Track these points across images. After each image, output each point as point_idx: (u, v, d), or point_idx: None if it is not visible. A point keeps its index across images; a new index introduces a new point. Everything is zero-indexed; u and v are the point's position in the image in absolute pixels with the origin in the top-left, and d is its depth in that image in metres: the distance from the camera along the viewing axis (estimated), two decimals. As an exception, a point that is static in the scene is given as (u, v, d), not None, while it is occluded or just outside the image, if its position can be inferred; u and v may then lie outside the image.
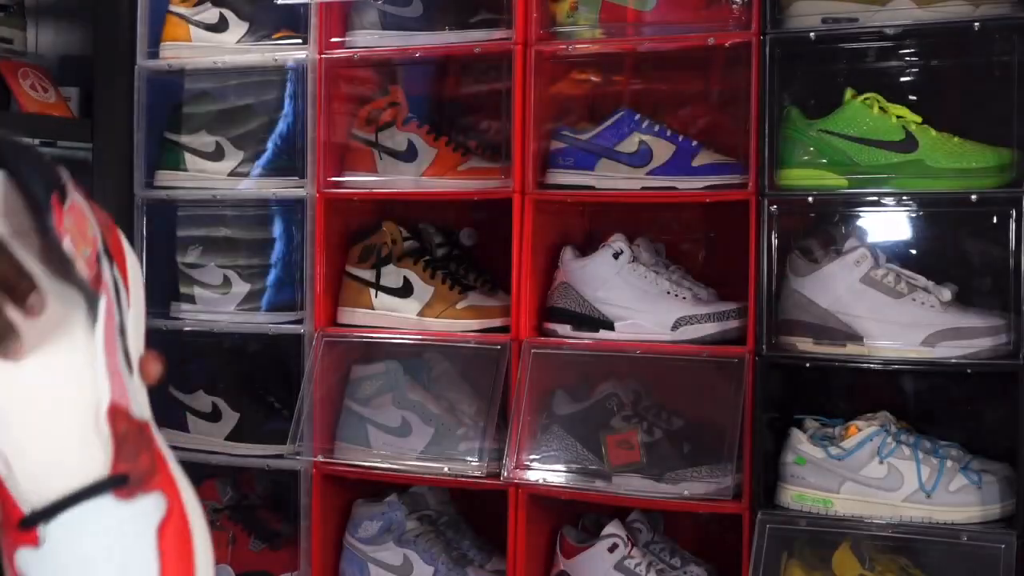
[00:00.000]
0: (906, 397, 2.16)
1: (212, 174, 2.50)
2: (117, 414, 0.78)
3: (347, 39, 2.37)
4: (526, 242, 2.20)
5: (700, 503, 2.07)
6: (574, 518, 2.28)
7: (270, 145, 2.47)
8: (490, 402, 2.22)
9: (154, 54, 2.52)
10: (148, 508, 0.78)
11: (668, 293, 2.17)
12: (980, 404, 2.12)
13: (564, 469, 2.17)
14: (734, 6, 2.08)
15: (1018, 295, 1.89)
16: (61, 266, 0.76)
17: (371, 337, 2.34)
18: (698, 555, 2.22)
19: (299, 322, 2.39)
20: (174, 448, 0.83)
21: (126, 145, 2.52)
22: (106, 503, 0.78)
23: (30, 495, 0.78)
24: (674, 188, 2.15)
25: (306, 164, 2.38)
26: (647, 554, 2.16)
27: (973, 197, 1.93)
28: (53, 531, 0.78)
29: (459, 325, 2.30)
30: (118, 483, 0.78)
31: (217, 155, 2.51)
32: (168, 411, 2.47)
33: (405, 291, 2.34)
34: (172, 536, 0.78)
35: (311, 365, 2.33)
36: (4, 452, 0.78)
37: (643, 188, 2.17)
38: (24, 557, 0.78)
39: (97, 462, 0.78)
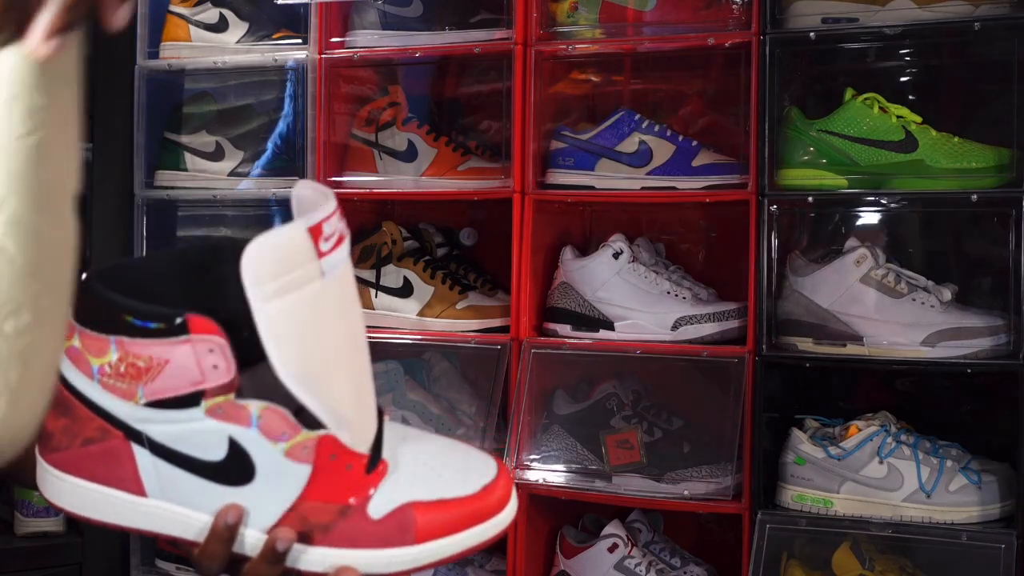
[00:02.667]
0: (906, 397, 2.17)
1: (212, 174, 2.50)
2: None
3: (347, 39, 2.37)
4: (526, 242, 2.20)
5: (700, 503, 2.07)
6: (574, 518, 2.28)
7: (270, 145, 2.47)
8: (490, 402, 2.22)
9: (154, 54, 2.52)
10: None
11: (668, 293, 2.17)
12: (980, 404, 2.12)
13: (564, 469, 2.17)
14: (734, 6, 2.09)
15: (1018, 295, 1.89)
16: None
17: (371, 337, 2.33)
18: (698, 555, 2.23)
19: (299, 322, 2.39)
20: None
21: (126, 145, 2.52)
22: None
23: (360, 441, 0.88)
24: (674, 188, 2.16)
25: (306, 164, 2.38)
26: (647, 554, 2.16)
27: (973, 197, 1.93)
28: (393, 451, 0.90)
29: (459, 325, 2.30)
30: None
31: (217, 155, 2.52)
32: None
33: (405, 291, 2.34)
34: None
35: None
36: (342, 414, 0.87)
37: (643, 188, 2.18)
38: (386, 490, 0.88)
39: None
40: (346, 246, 0.88)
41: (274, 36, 2.45)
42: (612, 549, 2.14)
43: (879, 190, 2.01)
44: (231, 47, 2.47)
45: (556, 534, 2.24)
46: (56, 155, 0.71)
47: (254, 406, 0.85)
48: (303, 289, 0.83)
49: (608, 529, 2.16)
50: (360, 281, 2.37)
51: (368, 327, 2.35)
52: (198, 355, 0.84)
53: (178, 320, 0.84)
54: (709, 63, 2.33)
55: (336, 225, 0.86)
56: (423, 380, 2.36)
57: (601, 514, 2.26)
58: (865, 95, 2.03)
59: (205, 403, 0.85)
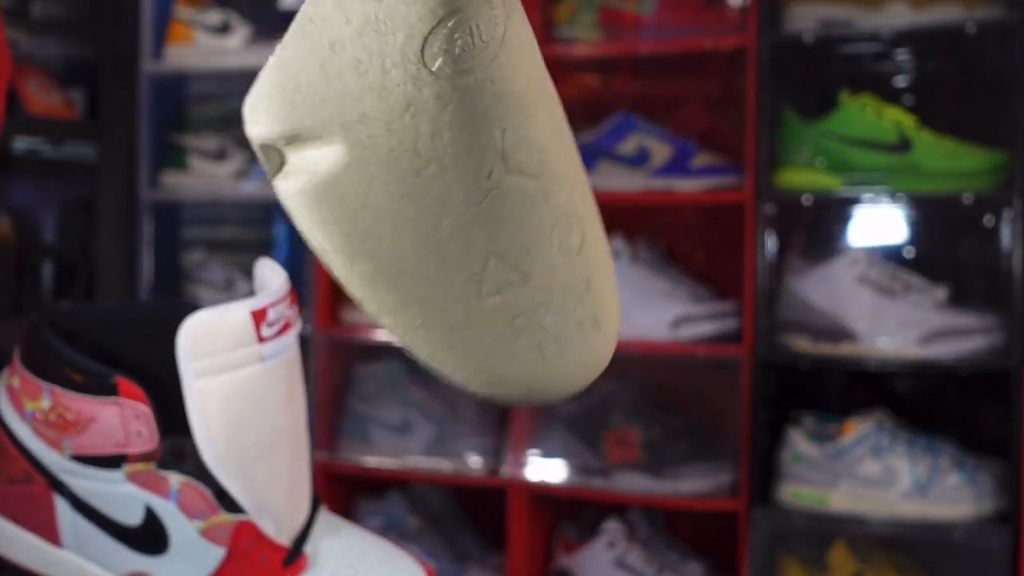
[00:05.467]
0: (901, 395, 2.18)
1: (216, 175, 2.52)
2: None
3: (349, 42, 2.38)
4: (526, 242, 2.22)
5: (698, 500, 2.09)
6: (573, 515, 2.30)
7: (273, 147, 2.49)
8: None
9: (159, 57, 2.54)
10: None
11: (667, 293, 2.19)
12: (974, 402, 2.14)
13: (564, 467, 2.19)
14: (731, 10, 2.11)
15: (1011, 295, 1.91)
16: None
17: (373, 337, 2.36)
18: (696, 551, 2.25)
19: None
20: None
21: (130, 147, 2.54)
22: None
23: (283, 532, 0.86)
24: (673, 189, 2.18)
25: (309, 165, 2.40)
26: (646, 550, 2.18)
27: (967, 198, 1.95)
28: (318, 546, 0.87)
29: (460, 324, 2.31)
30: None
31: (221, 156, 2.54)
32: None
33: (407, 291, 2.36)
34: None
35: (313, 364, 2.35)
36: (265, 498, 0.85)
37: (642, 189, 2.19)
38: None
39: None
40: (292, 334, 0.85)
41: (277, 39, 2.46)
42: (611, 545, 2.16)
43: (874, 191, 2.03)
44: (235, 50, 2.50)
45: (556, 530, 2.26)
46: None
47: (174, 479, 0.84)
48: (238, 372, 0.81)
49: (607, 526, 2.18)
50: (362, 281, 2.39)
51: (370, 326, 2.38)
52: (124, 419, 0.83)
53: (108, 381, 0.83)
54: (707, 66, 2.35)
55: (283, 312, 0.83)
56: (424, 379, 2.38)
57: (600, 511, 2.27)
58: (861, 98, 2.05)
59: (126, 467, 0.84)
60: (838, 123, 2.04)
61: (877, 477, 1.97)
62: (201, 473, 0.84)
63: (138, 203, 2.55)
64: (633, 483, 2.14)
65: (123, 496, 0.84)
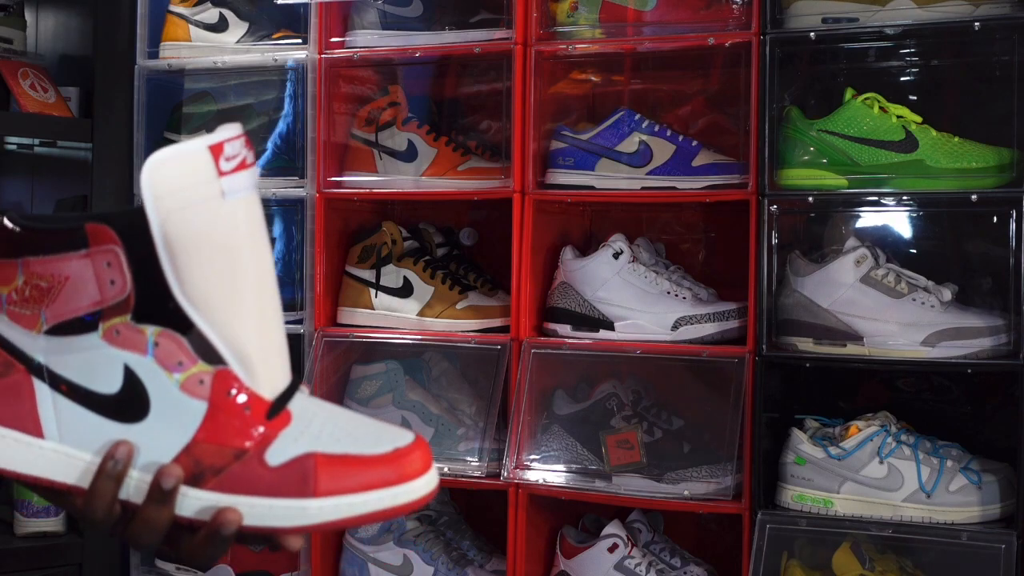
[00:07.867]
0: (906, 397, 2.16)
1: (212, 174, 2.50)
2: None
3: (347, 39, 2.37)
4: (526, 242, 2.20)
5: (700, 503, 2.07)
6: (574, 518, 2.28)
7: (270, 145, 2.47)
8: (490, 402, 2.22)
9: (154, 54, 2.52)
10: None
11: (668, 293, 2.17)
12: (980, 404, 2.12)
13: (564, 469, 2.17)
14: (734, 6, 2.08)
15: (1018, 295, 1.89)
16: None
17: (371, 337, 2.34)
18: (698, 555, 2.23)
19: (299, 322, 2.39)
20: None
21: (126, 145, 2.52)
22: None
23: (262, 385, 0.86)
24: (674, 188, 2.15)
25: (306, 164, 2.38)
26: (647, 554, 2.16)
27: (973, 197, 1.93)
28: (303, 408, 0.88)
29: (459, 325, 2.30)
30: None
31: (217, 155, 2.51)
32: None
33: (405, 291, 2.34)
34: None
35: (311, 365, 2.33)
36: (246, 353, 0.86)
37: (643, 188, 2.17)
38: (288, 438, 0.86)
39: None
40: (251, 175, 0.87)
41: (274, 36, 2.44)
42: (612, 549, 2.14)
43: (879, 190, 2.01)
44: (231, 47, 2.47)
45: (556, 534, 2.24)
46: None
47: (150, 331, 0.84)
48: (201, 206, 0.82)
49: (608, 529, 2.16)
50: (360, 281, 2.37)
51: (368, 327, 2.36)
52: (97, 268, 0.83)
53: (77, 229, 0.84)
54: (709, 63, 2.33)
55: (239, 149, 0.86)
56: (423, 380, 2.36)
57: (601, 514, 2.25)
58: (865, 95, 2.03)
59: (102, 326, 0.84)
60: (842, 121, 2.02)
61: (882, 480, 1.95)
62: (175, 321, 0.84)
63: (133, 201, 2.52)
64: (634, 486, 2.11)
65: (101, 361, 0.84)
